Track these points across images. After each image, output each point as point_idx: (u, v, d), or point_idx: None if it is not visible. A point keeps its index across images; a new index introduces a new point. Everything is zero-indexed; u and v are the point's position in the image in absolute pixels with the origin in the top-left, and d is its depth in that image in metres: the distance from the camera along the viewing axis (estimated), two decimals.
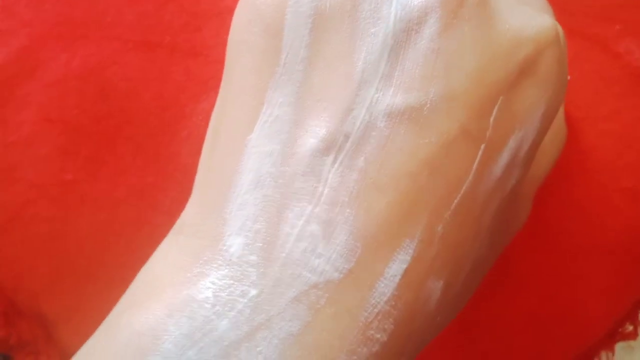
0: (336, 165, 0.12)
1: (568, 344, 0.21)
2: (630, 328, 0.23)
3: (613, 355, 0.23)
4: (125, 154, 0.20)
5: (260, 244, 0.11)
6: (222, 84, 0.13)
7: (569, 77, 0.18)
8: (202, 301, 0.11)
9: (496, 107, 0.12)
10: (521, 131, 0.13)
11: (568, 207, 0.20)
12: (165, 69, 0.20)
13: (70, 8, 0.20)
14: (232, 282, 0.11)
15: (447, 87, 0.12)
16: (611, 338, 0.23)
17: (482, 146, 0.12)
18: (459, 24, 0.12)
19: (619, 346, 0.24)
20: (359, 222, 0.11)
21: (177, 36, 0.20)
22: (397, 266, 0.11)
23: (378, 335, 0.11)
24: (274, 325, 0.11)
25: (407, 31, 0.12)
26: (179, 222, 0.13)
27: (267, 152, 0.12)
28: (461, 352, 0.20)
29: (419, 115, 0.12)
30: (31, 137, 0.20)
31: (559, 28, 0.13)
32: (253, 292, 0.11)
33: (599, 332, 0.22)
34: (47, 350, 0.20)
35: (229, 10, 0.15)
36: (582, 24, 0.22)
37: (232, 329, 0.11)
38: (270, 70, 0.12)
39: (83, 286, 0.19)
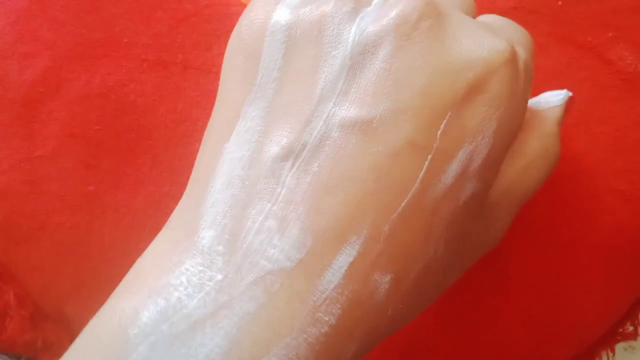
0: (293, 170, 0.13)
1: (566, 343, 0.22)
2: (631, 328, 0.23)
3: (613, 355, 0.23)
4: (143, 165, 0.21)
5: (227, 237, 0.13)
6: (216, 99, 0.15)
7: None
8: (177, 285, 0.13)
9: (444, 121, 0.13)
10: (471, 145, 0.14)
11: (562, 209, 0.21)
12: (179, 86, 0.22)
13: (90, 30, 0.22)
14: (202, 268, 0.13)
15: (396, 103, 0.13)
16: (611, 338, 0.23)
17: (429, 156, 0.13)
18: (411, 46, 0.13)
19: (621, 347, 0.24)
20: (310, 219, 0.13)
21: (189, 55, 0.22)
22: (343, 259, 0.13)
23: (326, 318, 0.13)
24: (234, 305, 0.12)
25: (363, 53, 0.13)
26: (169, 218, 0.15)
27: (238, 157, 0.14)
28: (459, 352, 0.21)
29: (369, 127, 0.13)
30: (56, 152, 0.21)
31: (520, 53, 0.15)
32: (219, 276, 0.13)
33: (597, 332, 0.22)
34: None
35: None
36: (575, 32, 0.22)
37: (200, 308, 0.12)
38: (247, 88, 0.14)
39: (105, 290, 0.20)
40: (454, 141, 0.13)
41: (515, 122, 0.15)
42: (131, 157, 0.21)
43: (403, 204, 0.13)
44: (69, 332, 0.22)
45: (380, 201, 0.13)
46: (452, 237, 0.14)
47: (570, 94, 0.18)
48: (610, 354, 0.23)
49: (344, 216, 0.13)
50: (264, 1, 0.15)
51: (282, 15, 0.14)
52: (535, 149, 0.16)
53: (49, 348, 0.22)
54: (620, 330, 0.23)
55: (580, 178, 0.21)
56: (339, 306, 0.13)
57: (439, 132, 0.13)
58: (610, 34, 0.22)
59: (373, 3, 0.14)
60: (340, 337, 0.13)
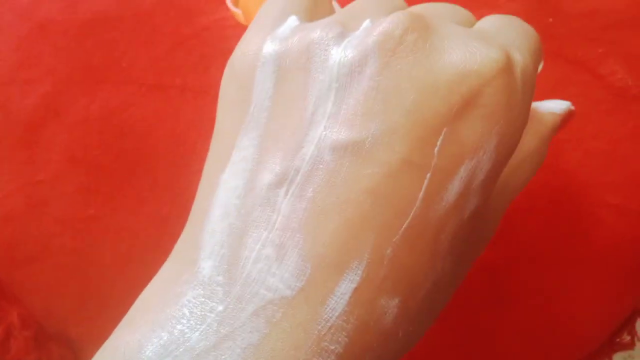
0: (288, 196, 0.13)
1: (562, 356, 0.22)
2: (628, 338, 0.23)
3: None
4: (142, 188, 0.21)
5: (226, 266, 0.13)
6: (213, 131, 0.15)
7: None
8: (179, 317, 0.13)
9: (440, 138, 0.13)
10: (473, 161, 0.13)
11: (556, 223, 0.21)
12: (177, 108, 0.22)
13: (89, 55, 0.22)
14: (203, 299, 0.13)
15: (386, 122, 0.13)
16: (609, 348, 0.23)
17: (428, 175, 0.13)
18: (396, 62, 0.13)
19: (620, 356, 0.25)
20: (308, 246, 0.13)
21: (187, 77, 0.22)
22: (346, 285, 0.12)
23: (332, 347, 0.12)
24: (236, 337, 0.12)
25: (350, 74, 0.13)
26: (173, 250, 0.15)
27: (234, 187, 0.14)
28: None
29: (361, 148, 0.13)
30: (57, 176, 0.21)
31: (517, 59, 0.14)
32: (220, 307, 0.12)
33: (592, 344, 0.22)
34: None
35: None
36: (567, 49, 0.23)
37: (202, 340, 0.12)
38: (241, 119, 0.14)
39: (106, 310, 0.21)
40: (454, 158, 0.13)
41: (516, 134, 0.14)
42: (131, 179, 0.21)
43: (405, 225, 0.13)
44: (73, 352, 0.22)
45: (380, 224, 0.13)
46: (457, 251, 0.14)
47: (573, 107, 0.18)
48: None
49: (343, 241, 0.13)
50: (255, 34, 0.15)
51: (272, 46, 0.14)
52: (528, 148, 0.16)
53: None
54: (618, 340, 0.24)
55: (574, 192, 0.21)
56: (345, 334, 0.12)
57: (436, 149, 0.13)
58: (600, 50, 0.22)
59: (362, 27, 0.14)
60: None
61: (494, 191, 0.15)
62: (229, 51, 0.23)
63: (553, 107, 0.18)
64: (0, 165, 0.22)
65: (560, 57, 0.23)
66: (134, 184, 0.21)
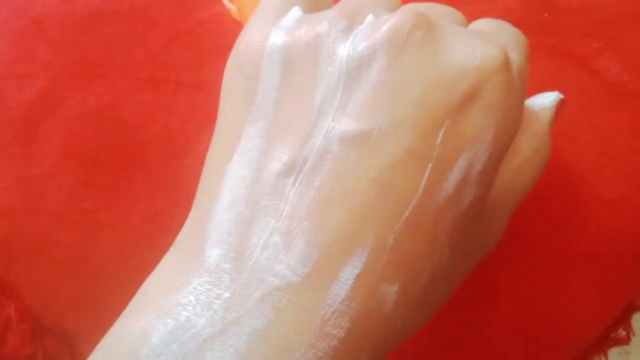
0: (296, 185, 0.13)
1: (556, 353, 0.22)
2: (623, 333, 0.23)
3: None
4: (137, 182, 0.22)
5: (233, 254, 0.13)
6: (216, 122, 0.16)
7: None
8: (185, 304, 0.13)
9: (442, 130, 0.14)
10: (471, 152, 0.14)
11: (550, 219, 0.21)
12: (171, 103, 0.22)
13: (85, 50, 0.22)
14: (210, 287, 0.13)
15: (393, 114, 0.13)
16: (604, 344, 0.23)
17: (430, 165, 0.13)
18: (404, 57, 0.14)
19: (615, 351, 0.25)
20: (314, 233, 0.13)
21: (182, 73, 0.22)
22: (350, 271, 0.13)
23: (335, 332, 0.13)
24: (243, 323, 0.12)
25: (359, 67, 0.14)
26: (176, 239, 0.15)
27: (242, 177, 0.14)
28: None
29: (368, 139, 0.13)
30: (53, 170, 0.21)
31: (514, 57, 0.15)
32: (226, 294, 0.13)
33: (586, 340, 0.22)
34: None
35: (229, 48, 0.16)
36: (562, 43, 0.23)
37: (208, 326, 0.12)
38: (247, 109, 0.14)
39: (102, 304, 0.21)
40: (454, 149, 0.14)
41: (512, 127, 0.15)
42: (126, 174, 0.22)
43: (407, 213, 0.13)
44: (69, 346, 0.22)
45: (384, 212, 0.13)
46: (455, 243, 0.14)
47: (562, 96, 0.18)
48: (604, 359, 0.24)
49: (349, 229, 0.13)
50: (260, 24, 0.15)
51: (278, 37, 0.15)
52: (528, 149, 0.16)
53: None
54: (613, 335, 0.24)
55: (568, 188, 0.21)
56: (348, 319, 0.13)
57: (438, 140, 0.13)
58: (596, 45, 0.22)
59: (366, 21, 0.15)
60: (350, 350, 0.13)
61: (497, 194, 0.16)
62: (225, 47, 0.23)
63: (543, 102, 0.18)
64: None
65: (556, 52, 0.23)
66: (128, 179, 0.22)
